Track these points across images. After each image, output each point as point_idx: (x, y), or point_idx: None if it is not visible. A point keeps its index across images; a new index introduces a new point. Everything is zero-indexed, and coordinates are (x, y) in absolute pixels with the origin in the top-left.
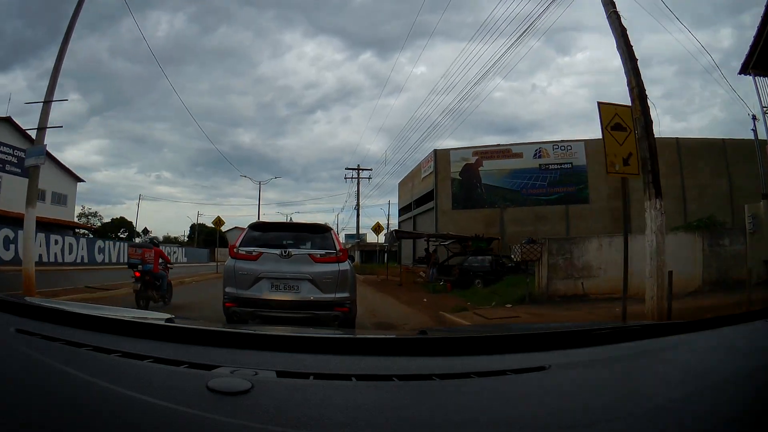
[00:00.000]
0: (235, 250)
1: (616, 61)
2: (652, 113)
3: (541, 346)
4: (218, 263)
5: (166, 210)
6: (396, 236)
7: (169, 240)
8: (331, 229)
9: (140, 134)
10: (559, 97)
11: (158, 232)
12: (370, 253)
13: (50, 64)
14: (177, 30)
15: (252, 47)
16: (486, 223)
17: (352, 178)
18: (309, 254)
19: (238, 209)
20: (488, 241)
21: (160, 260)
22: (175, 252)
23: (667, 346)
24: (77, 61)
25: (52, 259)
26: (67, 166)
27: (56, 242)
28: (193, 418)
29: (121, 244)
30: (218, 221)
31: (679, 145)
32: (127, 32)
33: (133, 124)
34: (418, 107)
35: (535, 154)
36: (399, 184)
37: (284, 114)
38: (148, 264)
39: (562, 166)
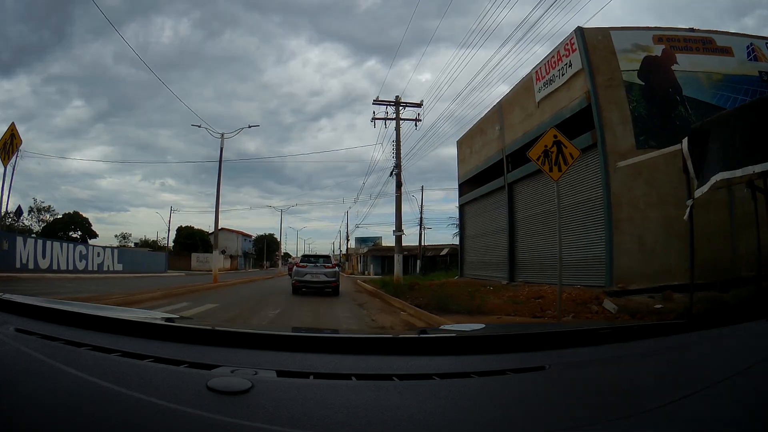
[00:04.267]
0: (299, 263)
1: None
2: None
3: (540, 345)
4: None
5: (170, 215)
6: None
7: (146, 244)
8: (330, 256)
9: (145, 141)
10: None
11: (138, 236)
12: (381, 259)
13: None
14: (182, 35)
15: (257, 53)
16: None
17: (385, 119)
18: (323, 264)
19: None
20: None
21: (291, 263)
22: (99, 254)
23: (667, 346)
24: (81, 67)
25: None
26: None
27: None
28: (193, 418)
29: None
30: (10, 136)
31: None
32: (132, 38)
33: (137, 130)
34: (425, 114)
35: (748, 55)
36: (458, 143)
37: (289, 121)
38: (291, 264)
39: None
